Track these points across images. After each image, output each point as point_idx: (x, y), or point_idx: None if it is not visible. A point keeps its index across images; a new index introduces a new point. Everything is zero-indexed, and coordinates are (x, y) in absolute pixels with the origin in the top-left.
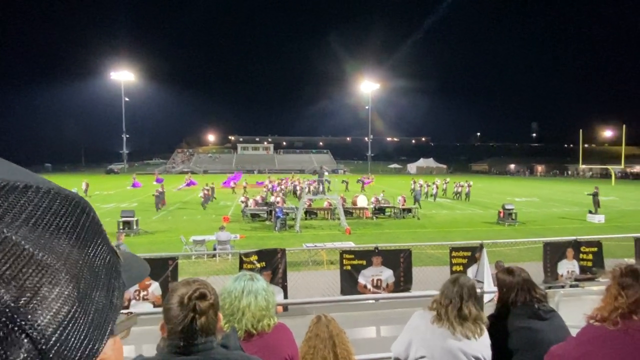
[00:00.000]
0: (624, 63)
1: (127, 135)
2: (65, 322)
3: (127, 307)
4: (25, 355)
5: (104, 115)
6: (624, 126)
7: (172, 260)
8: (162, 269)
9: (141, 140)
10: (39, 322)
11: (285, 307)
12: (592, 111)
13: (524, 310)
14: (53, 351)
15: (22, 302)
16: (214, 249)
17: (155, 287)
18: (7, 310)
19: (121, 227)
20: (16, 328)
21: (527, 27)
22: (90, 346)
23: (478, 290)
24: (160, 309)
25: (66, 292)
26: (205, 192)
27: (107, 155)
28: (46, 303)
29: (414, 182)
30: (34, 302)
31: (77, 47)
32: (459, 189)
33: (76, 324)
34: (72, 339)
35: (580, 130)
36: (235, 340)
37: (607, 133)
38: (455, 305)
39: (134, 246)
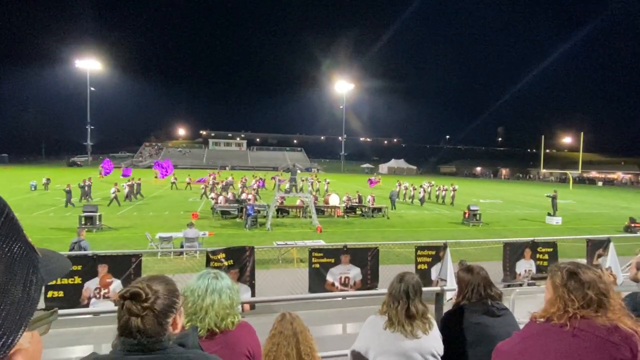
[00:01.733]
0: (585, 74)
1: (92, 127)
2: None
3: (87, 305)
4: None
5: (67, 105)
6: (582, 134)
7: (136, 258)
8: (125, 266)
9: (107, 133)
10: None
11: (253, 305)
12: (554, 118)
13: (478, 307)
14: None
15: None
16: (182, 247)
17: (117, 285)
18: None
19: (83, 223)
20: None
21: (495, 35)
22: (4, 338)
23: (438, 289)
24: None
25: None
26: (129, 185)
27: (70, 147)
28: None
29: (399, 184)
30: None
31: (40, 32)
32: (443, 193)
33: None
34: None
35: (542, 136)
36: (194, 338)
37: (567, 139)
38: (403, 306)
39: (96, 242)
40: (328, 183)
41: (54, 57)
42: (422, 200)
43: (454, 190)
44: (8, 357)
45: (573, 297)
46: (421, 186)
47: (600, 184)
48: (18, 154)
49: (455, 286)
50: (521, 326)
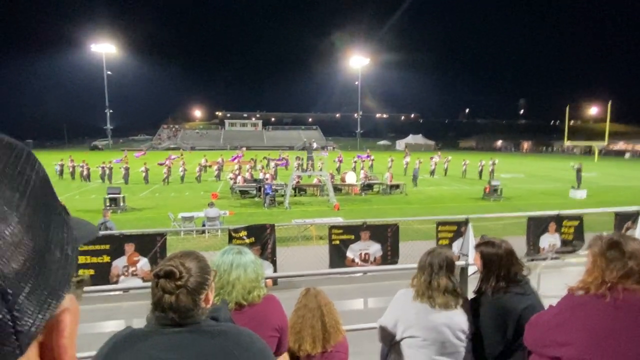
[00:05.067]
0: (611, 40)
1: (111, 111)
2: (25, 269)
3: (116, 283)
4: None
5: (86, 90)
6: (609, 103)
7: (161, 237)
8: (151, 244)
9: (125, 116)
10: (2, 269)
11: (275, 281)
12: (579, 88)
13: (505, 282)
14: (12, 288)
15: None
16: (203, 226)
17: (144, 263)
18: None
19: (107, 204)
20: None
21: (515, 4)
22: (53, 296)
23: (462, 263)
24: (148, 284)
25: (19, 236)
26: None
27: (91, 131)
28: (5, 252)
29: (420, 161)
30: None
31: (56, 18)
32: (480, 168)
33: (35, 265)
34: (34, 278)
35: (567, 107)
36: (225, 312)
37: (593, 110)
38: (427, 278)
39: (121, 223)
40: (341, 162)
41: (72, 43)
42: (432, 173)
43: (494, 164)
44: (56, 316)
45: (612, 267)
46: (431, 158)
47: (627, 155)
48: (42, 139)
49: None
50: (547, 300)
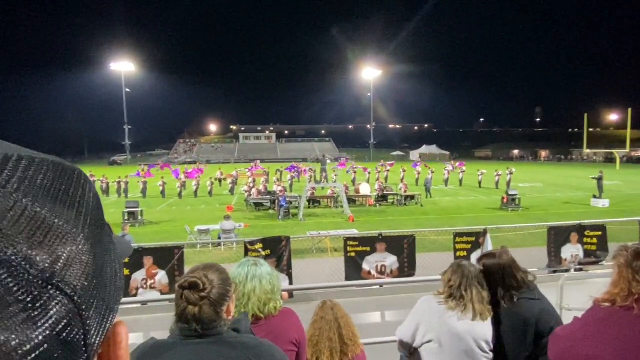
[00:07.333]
0: (629, 45)
1: (130, 127)
2: (92, 285)
3: (135, 296)
4: (64, 308)
5: (105, 107)
6: (630, 109)
7: (178, 250)
8: (169, 258)
9: (143, 131)
10: (71, 280)
11: (291, 294)
12: (597, 95)
13: (515, 290)
14: (84, 304)
15: (55, 264)
16: (219, 238)
17: (162, 276)
18: (44, 271)
19: (126, 218)
20: (50, 287)
21: (530, 10)
22: (110, 309)
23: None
24: (166, 297)
25: (86, 256)
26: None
27: (110, 146)
28: (73, 264)
29: (432, 172)
30: (62, 263)
31: (77, 38)
32: (497, 178)
33: (97, 282)
34: (97, 293)
35: (585, 114)
36: (246, 324)
37: (612, 117)
38: (469, 285)
39: (139, 236)
40: (355, 172)
41: (91, 62)
42: (446, 182)
43: (511, 173)
44: (112, 328)
45: (639, 278)
46: (445, 168)
47: None
48: (62, 155)
49: None
50: (571, 313)
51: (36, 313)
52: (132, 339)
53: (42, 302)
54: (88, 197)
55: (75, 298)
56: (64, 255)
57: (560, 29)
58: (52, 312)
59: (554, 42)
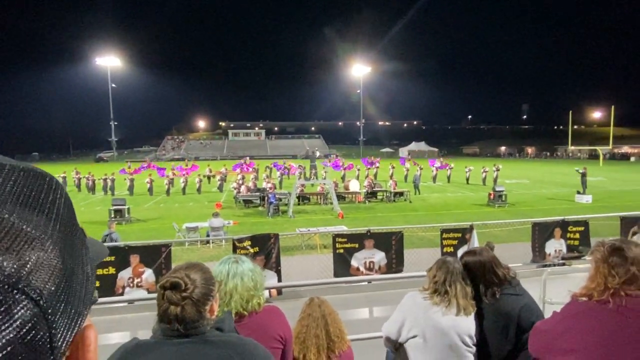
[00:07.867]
0: (613, 45)
1: (116, 123)
2: (60, 290)
3: (121, 294)
4: (29, 312)
5: (91, 103)
6: (613, 107)
7: (165, 247)
8: (156, 256)
9: (130, 128)
10: (37, 284)
11: (280, 291)
12: (582, 93)
13: (497, 286)
14: (50, 308)
15: (22, 269)
16: (207, 236)
17: (149, 274)
18: (10, 276)
19: (112, 216)
20: (16, 291)
21: (518, 10)
22: (79, 314)
23: None
24: (153, 295)
25: (54, 260)
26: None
27: (96, 143)
28: (40, 269)
29: (421, 168)
30: (29, 268)
31: (62, 32)
32: (484, 175)
33: (65, 286)
34: (65, 297)
35: (570, 112)
36: (230, 323)
37: (596, 114)
38: (453, 281)
39: (126, 234)
40: (346, 169)
41: (77, 56)
42: (434, 179)
43: (497, 170)
44: (81, 332)
45: (614, 273)
46: (434, 165)
47: (633, 159)
48: (48, 151)
49: None
50: (552, 307)
51: (0, 317)
52: (119, 337)
53: (6, 306)
54: (59, 202)
55: (41, 302)
56: (32, 260)
57: (547, 29)
58: (16, 316)
59: (541, 42)
